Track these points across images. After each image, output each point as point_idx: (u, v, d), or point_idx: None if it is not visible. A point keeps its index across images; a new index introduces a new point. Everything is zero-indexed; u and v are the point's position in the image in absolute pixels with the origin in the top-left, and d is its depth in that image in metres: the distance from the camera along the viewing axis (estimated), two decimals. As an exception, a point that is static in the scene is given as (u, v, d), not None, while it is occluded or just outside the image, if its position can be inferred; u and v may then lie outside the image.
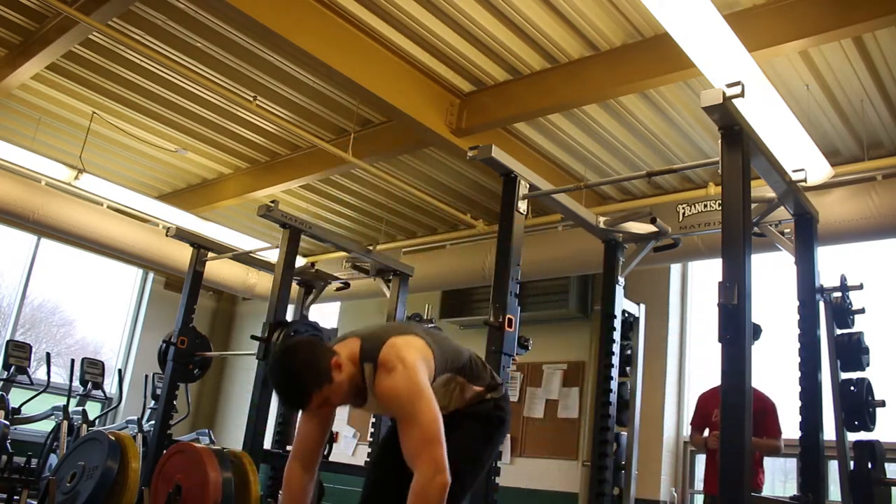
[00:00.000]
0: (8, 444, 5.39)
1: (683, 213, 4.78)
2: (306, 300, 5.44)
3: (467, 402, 2.34)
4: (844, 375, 3.47)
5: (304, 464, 2.30)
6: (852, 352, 3.47)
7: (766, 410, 4.32)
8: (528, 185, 3.42)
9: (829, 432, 3.27)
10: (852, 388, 3.40)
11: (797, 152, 4.07)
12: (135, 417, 6.41)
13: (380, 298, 6.72)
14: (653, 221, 3.65)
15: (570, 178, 6.02)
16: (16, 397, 6.04)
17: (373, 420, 4.92)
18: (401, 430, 2.09)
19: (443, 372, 2.25)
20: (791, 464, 5.33)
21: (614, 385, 3.77)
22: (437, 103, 5.02)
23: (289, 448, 5.14)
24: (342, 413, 7.93)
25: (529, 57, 4.61)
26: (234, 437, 8.73)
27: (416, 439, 2.03)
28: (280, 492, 5.05)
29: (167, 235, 5.26)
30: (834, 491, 4.33)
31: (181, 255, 6.81)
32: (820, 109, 4.72)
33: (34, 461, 5.29)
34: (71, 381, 6.13)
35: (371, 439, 4.86)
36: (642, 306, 4.24)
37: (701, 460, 5.94)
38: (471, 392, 2.37)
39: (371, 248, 5.14)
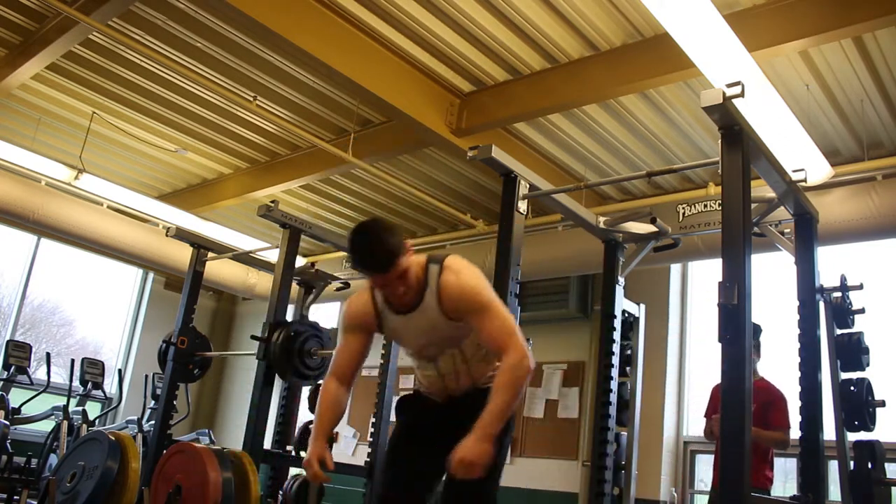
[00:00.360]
0: (8, 444, 5.40)
1: (683, 213, 4.78)
2: (306, 300, 5.44)
3: (485, 378, 2.36)
4: (844, 375, 3.47)
5: (341, 380, 2.38)
6: (852, 352, 3.47)
7: (772, 402, 4.25)
8: (528, 185, 3.42)
9: (829, 432, 3.27)
10: (852, 388, 3.40)
11: (797, 152, 4.07)
12: (135, 417, 6.41)
13: (380, 298, 6.72)
14: (653, 221, 3.65)
15: (570, 178, 6.02)
16: (16, 397, 6.04)
17: (372, 420, 4.92)
18: (478, 322, 2.21)
19: None
20: (791, 464, 5.33)
21: (614, 385, 3.77)
22: (437, 103, 5.02)
23: (289, 448, 5.16)
24: (342, 413, 7.92)
25: (529, 57, 4.61)
26: (234, 437, 8.73)
27: (498, 328, 2.18)
28: (281, 492, 5.07)
29: (167, 235, 5.26)
30: (834, 491, 4.33)
31: (181, 255, 6.81)
32: (820, 109, 4.72)
33: (34, 461, 5.29)
34: (71, 381, 6.13)
35: (371, 439, 4.86)
36: (642, 306, 4.24)
37: (701, 460, 5.95)
38: (490, 368, 2.38)
39: (371, 248, 5.13)
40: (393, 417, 3.13)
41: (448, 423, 2.25)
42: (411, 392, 2.61)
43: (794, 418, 3.28)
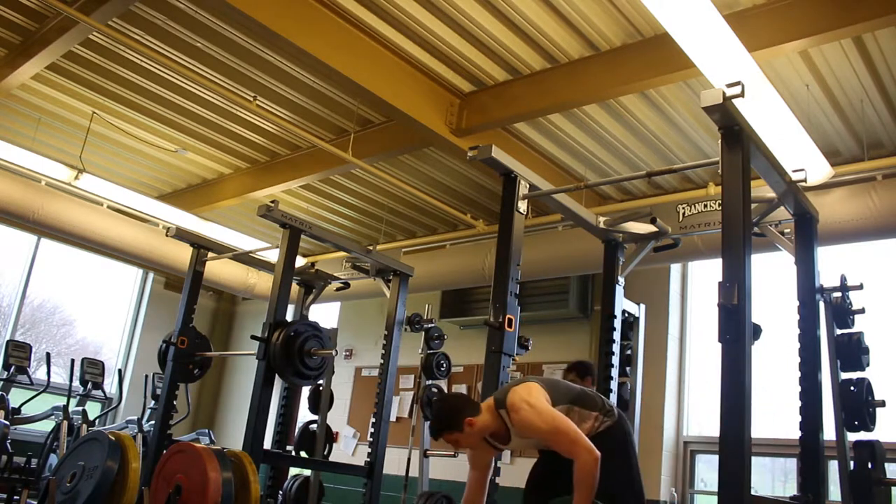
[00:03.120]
0: (8, 444, 5.39)
1: (683, 213, 4.78)
2: (306, 300, 5.44)
3: (589, 430, 2.80)
4: (844, 375, 3.47)
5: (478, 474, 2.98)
6: (852, 352, 3.46)
7: None
8: (528, 185, 3.42)
9: (829, 432, 3.27)
10: (852, 388, 3.39)
11: (797, 152, 4.07)
12: (135, 417, 6.41)
13: (380, 298, 6.73)
14: (653, 221, 3.65)
15: (570, 178, 6.02)
16: (16, 397, 6.04)
17: (372, 420, 4.93)
18: (549, 443, 2.76)
19: (558, 403, 2.78)
20: (791, 464, 5.33)
21: (614, 385, 3.77)
22: (437, 103, 5.02)
23: (289, 448, 5.17)
24: (342, 413, 7.93)
25: (529, 57, 4.61)
26: (234, 437, 8.73)
27: (564, 442, 2.68)
28: (281, 492, 5.07)
29: (167, 235, 5.26)
30: (834, 491, 4.33)
31: (181, 255, 6.81)
32: (820, 109, 4.72)
33: (34, 461, 5.29)
34: (71, 381, 6.13)
35: (371, 439, 4.86)
36: (642, 306, 4.24)
37: (701, 460, 5.96)
38: (589, 420, 2.84)
39: (371, 248, 5.14)
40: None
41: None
42: None
43: (795, 418, 3.27)
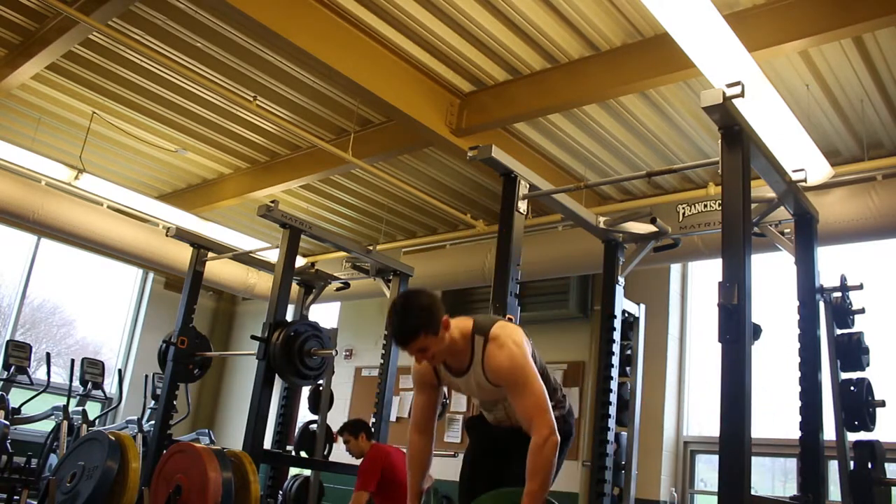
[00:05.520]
0: (8, 444, 5.39)
1: (683, 213, 4.78)
2: (306, 300, 5.45)
3: None
4: (844, 375, 3.47)
5: (422, 431, 2.65)
6: (852, 352, 3.46)
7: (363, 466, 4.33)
8: (528, 185, 3.43)
9: (829, 432, 3.27)
10: (852, 388, 3.40)
11: (797, 152, 4.07)
12: (135, 417, 6.41)
13: (380, 298, 6.73)
14: (653, 221, 3.66)
15: (570, 178, 6.02)
16: (16, 397, 6.04)
17: (373, 420, 4.92)
18: (514, 398, 2.39)
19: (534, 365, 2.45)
20: (791, 464, 5.33)
21: (614, 385, 3.77)
22: (437, 103, 5.02)
23: (289, 448, 5.17)
24: (342, 413, 7.93)
25: (529, 57, 4.61)
26: (234, 437, 8.73)
27: (532, 406, 2.34)
28: (281, 492, 5.07)
29: (167, 235, 5.26)
30: (834, 491, 4.33)
31: (181, 255, 6.81)
32: (820, 109, 4.72)
33: (34, 461, 5.29)
34: (71, 381, 6.13)
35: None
36: (642, 306, 4.24)
37: (701, 460, 5.95)
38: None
39: (371, 248, 5.14)
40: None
41: (504, 452, 2.61)
42: (477, 415, 2.83)
43: (795, 418, 3.28)
